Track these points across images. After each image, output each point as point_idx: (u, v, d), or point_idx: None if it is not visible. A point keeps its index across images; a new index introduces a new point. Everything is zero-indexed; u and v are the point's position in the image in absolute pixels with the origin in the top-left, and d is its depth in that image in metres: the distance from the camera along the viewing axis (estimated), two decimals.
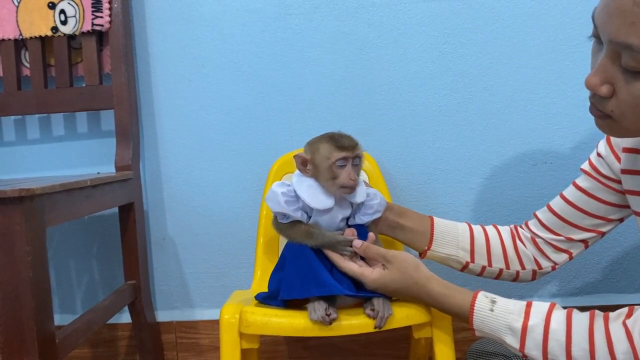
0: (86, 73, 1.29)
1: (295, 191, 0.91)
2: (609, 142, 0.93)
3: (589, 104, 0.73)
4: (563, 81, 1.27)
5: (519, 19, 1.27)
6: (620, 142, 0.90)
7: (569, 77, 1.27)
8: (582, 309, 0.79)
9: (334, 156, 0.89)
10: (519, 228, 1.05)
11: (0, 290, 0.82)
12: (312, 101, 1.32)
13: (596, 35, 0.70)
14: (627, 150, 0.88)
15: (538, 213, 1.02)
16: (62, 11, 1.27)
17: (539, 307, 0.79)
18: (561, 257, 1.01)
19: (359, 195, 0.93)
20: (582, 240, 0.98)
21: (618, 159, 0.90)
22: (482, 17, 1.27)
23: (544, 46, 1.27)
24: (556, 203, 1.00)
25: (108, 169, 1.31)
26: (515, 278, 1.03)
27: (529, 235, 1.03)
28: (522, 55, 1.27)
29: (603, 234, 0.98)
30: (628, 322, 0.73)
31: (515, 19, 1.27)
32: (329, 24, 1.30)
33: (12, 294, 0.82)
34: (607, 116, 0.71)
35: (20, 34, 1.28)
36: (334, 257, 0.89)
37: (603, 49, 0.68)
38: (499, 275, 1.03)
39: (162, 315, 1.40)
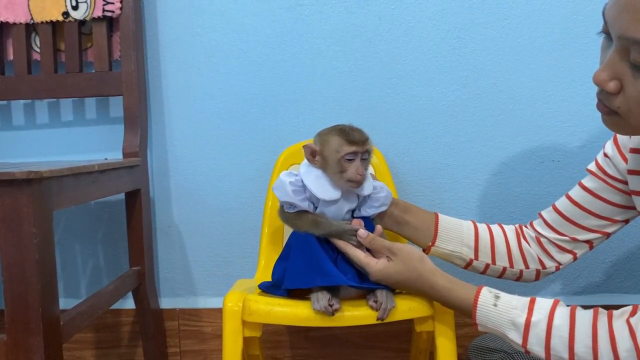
0: (96, 59, 1.29)
1: (302, 181, 0.91)
2: (616, 142, 0.93)
3: (597, 100, 0.73)
4: (572, 79, 1.27)
5: (531, 16, 1.26)
6: (627, 143, 0.90)
7: (579, 75, 1.26)
8: (586, 308, 0.79)
9: (343, 150, 0.89)
10: (523, 227, 1.05)
11: (7, 271, 0.83)
12: (320, 93, 1.31)
13: (606, 31, 0.70)
14: (634, 150, 0.87)
15: (543, 213, 1.02)
16: None
17: (543, 303, 0.79)
18: (565, 258, 1.00)
19: (366, 188, 0.93)
20: (587, 241, 0.98)
21: (625, 159, 0.90)
22: (494, 12, 1.27)
23: (555, 43, 1.26)
24: (561, 203, 1.00)
25: (115, 156, 1.31)
26: (519, 277, 1.03)
27: (533, 234, 1.03)
28: (532, 52, 1.27)
29: (608, 235, 0.98)
30: (632, 320, 0.73)
31: (527, 16, 1.26)
32: (339, 15, 1.29)
33: (18, 275, 0.83)
34: (613, 113, 0.71)
35: (32, 18, 1.28)
36: (341, 244, 0.90)
37: (612, 45, 0.68)
38: (502, 274, 1.03)
39: (165, 302, 1.41)
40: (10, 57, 1.33)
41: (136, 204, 1.27)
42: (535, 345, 0.77)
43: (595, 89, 0.72)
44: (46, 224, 0.85)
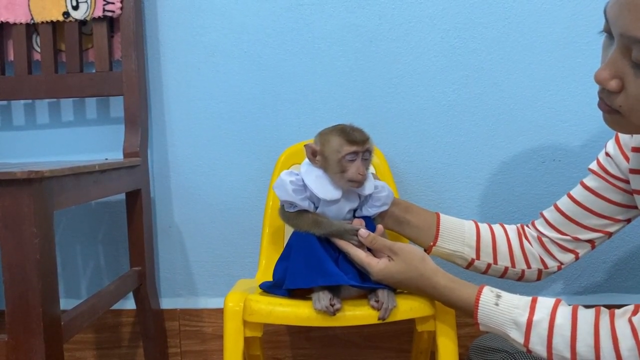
0: (96, 59, 1.29)
1: (303, 180, 0.91)
2: (617, 141, 0.93)
3: (598, 99, 0.73)
4: (573, 78, 1.26)
5: (532, 15, 1.26)
6: (629, 142, 0.90)
7: (580, 74, 1.26)
8: (588, 307, 0.79)
9: (344, 150, 0.89)
10: (525, 227, 1.05)
11: (8, 272, 0.83)
12: (321, 92, 1.31)
13: (607, 30, 0.70)
14: (635, 149, 0.87)
15: (545, 212, 1.02)
16: None
17: (545, 303, 0.79)
18: (567, 257, 1.00)
19: (367, 188, 0.93)
20: (589, 240, 0.98)
21: (627, 158, 0.90)
22: (494, 12, 1.27)
23: (555, 43, 1.26)
24: (563, 202, 0.99)
25: (116, 156, 1.31)
26: (521, 277, 1.03)
27: (535, 234, 1.02)
28: (533, 52, 1.27)
29: (610, 234, 0.97)
30: (634, 319, 0.72)
31: (527, 15, 1.26)
32: (339, 15, 1.29)
33: (19, 275, 0.82)
34: (615, 111, 0.71)
35: (32, 18, 1.28)
36: (342, 243, 0.90)
37: (614, 43, 0.68)
38: (504, 274, 1.03)
39: (166, 303, 1.41)
40: (11, 57, 1.33)
41: (137, 204, 1.27)
42: (537, 345, 0.77)
43: (597, 87, 0.72)
44: (47, 224, 0.85)
